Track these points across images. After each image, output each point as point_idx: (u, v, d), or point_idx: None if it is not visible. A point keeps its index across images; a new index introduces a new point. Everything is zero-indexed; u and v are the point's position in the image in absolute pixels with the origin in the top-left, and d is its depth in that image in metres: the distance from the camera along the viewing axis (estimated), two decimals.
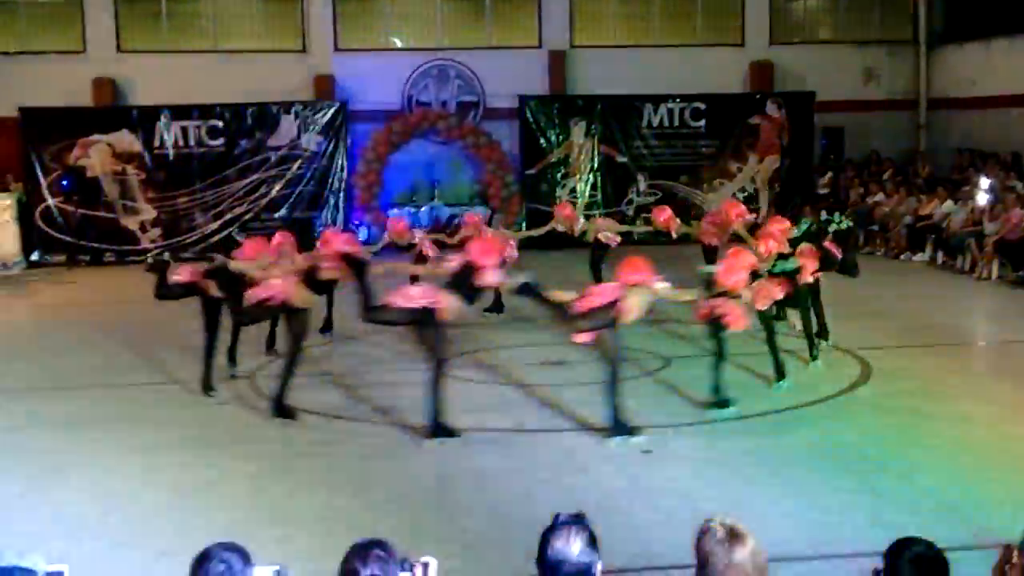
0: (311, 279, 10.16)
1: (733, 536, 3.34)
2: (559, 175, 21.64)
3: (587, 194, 21.21)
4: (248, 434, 9.24)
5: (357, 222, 20.80)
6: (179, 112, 20.67)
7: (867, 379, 10.53)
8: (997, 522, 6.63)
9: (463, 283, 8.85)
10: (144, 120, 20.61)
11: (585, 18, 22.83)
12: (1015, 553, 3.44)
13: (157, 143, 20.62)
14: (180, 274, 10.47)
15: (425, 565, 3.50)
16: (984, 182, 18.12)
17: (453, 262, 9.24)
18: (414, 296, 8.78)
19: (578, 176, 21.58)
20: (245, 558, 3.34)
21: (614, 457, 8.34)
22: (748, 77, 22.63)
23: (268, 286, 9.63)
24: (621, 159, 21.52)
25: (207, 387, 10.39)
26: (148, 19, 22.14)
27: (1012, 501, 7.02)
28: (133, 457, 8.58)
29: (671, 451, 8.47)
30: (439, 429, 8.78)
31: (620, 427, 8.70)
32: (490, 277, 8.91)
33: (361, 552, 3.33)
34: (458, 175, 21.99)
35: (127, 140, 20.49)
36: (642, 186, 21.48)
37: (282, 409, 9.44)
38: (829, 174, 22.39)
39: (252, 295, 9.67)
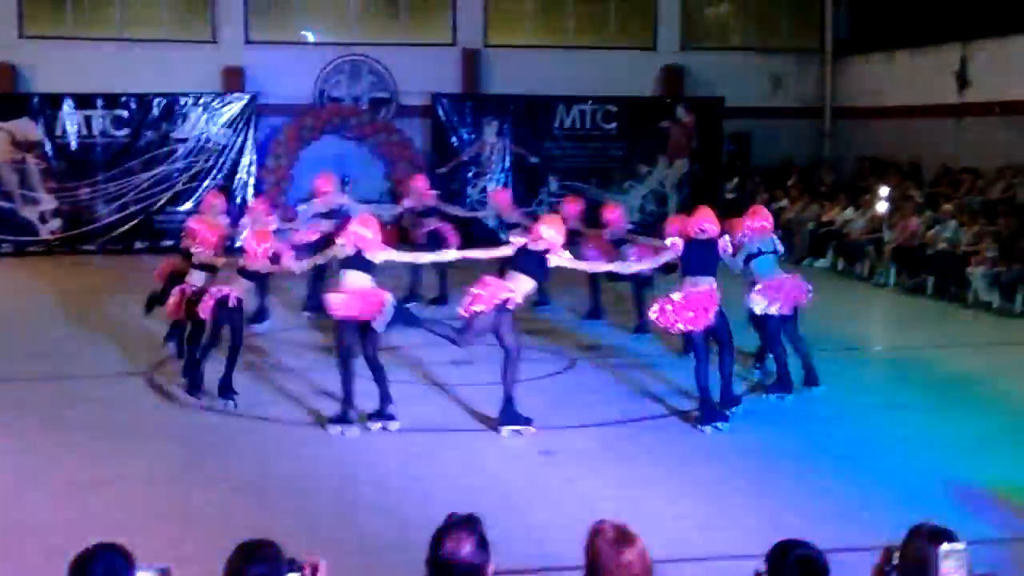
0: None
1: (622, 537, 3.37)
2: (470, 174, 21.64)
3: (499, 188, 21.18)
4: (145, 432, 9.07)
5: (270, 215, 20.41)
6: (83, 101, 20.15)
7: (766, 383, 10.70)
8: (887, 524, 6.79)
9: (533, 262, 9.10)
10: (46, 108, 20.06)
11: (499, 17, 22.85)
12: (894, 555, 3.53)
13: (59, 132, 20.10)
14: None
15: (314, 566, 3.46)
16: (883, 190, 18.57)
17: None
18: (496, 292, 8.94)
19: (489, 176, 21.60)
20: (128, 559, 3.27)
21: (515, 458, 8.38)
22: (659, 81, 22.88)
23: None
24: (532, 160, 21.58)
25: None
26: (52, 4, 21.57)
27: (902, 503, 7.20)
28: (23, 456, 8.36)
29: (571, 452, 8.52)
30: (515, 417, 8.94)
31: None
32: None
33: (247, 552, 3.29)
34: (369, 171, 21.84)
35: (27, 128, 19.91)
36: (553, 187, 21.55)
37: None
38: (736, 179, 22.74)
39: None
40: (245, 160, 20.63)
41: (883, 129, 21.73)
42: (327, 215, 13.55)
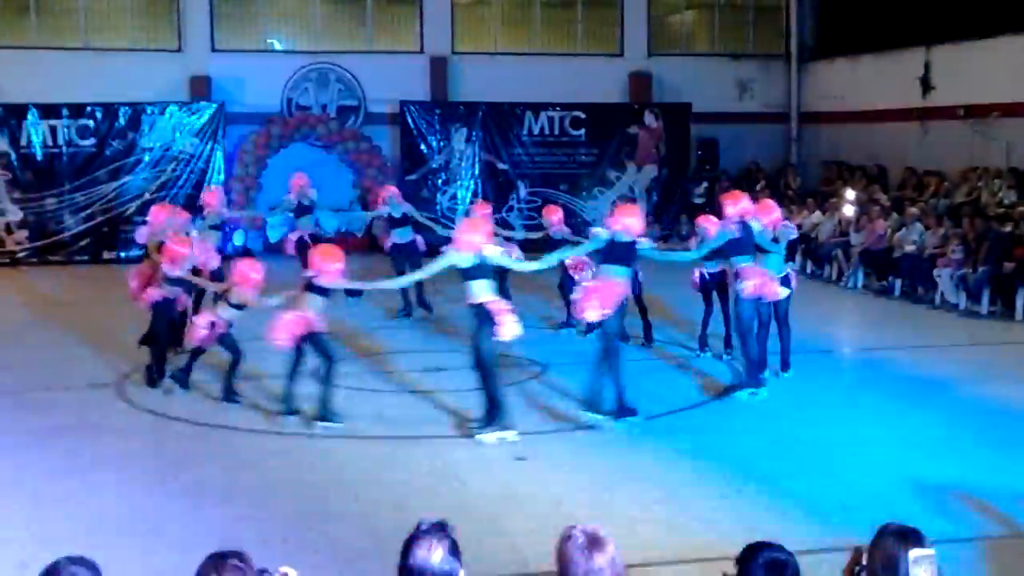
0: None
1: (593, 542, 3.37)
2: (440, 181, 21.64)
3: (467, 201, 21.20)
4: (116, 444, 8.99)
5: (231, 227, 20.31)
6: (48, 110, 20.02)
7: (737, 386, 10.75)
8: (858, 525, 6.85)
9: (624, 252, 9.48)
10: (10, 118, 19.90)
11: (466, 25, 22.89)
12: (864, 555, 3.56)
13: (24, 142, 19.94)
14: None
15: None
16: (850, 194, 18.72)
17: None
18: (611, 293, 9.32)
19: (459, 182, 21.61)
20: (95, 572, 3.25)
21: (488, 464, 8.37)
22: (627, 87, 22.97)
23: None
24: (502, 166, 21.61)
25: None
26: (16, 13, 21.41)
27: (871, 505, 7.25)
28: None
29: (544, 457, 8.54)
30: (623, 410, 9.29)
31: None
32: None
33: (216, 562, 3.27)
34: (338, 179, 21.79)
35: None
36: (522, 193, 21.60)
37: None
38: (704, 184, 22.86)
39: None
40: (213, 169, 20.53)
41: (849, 133, 21.91)
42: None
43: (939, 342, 13.23)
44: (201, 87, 21.24)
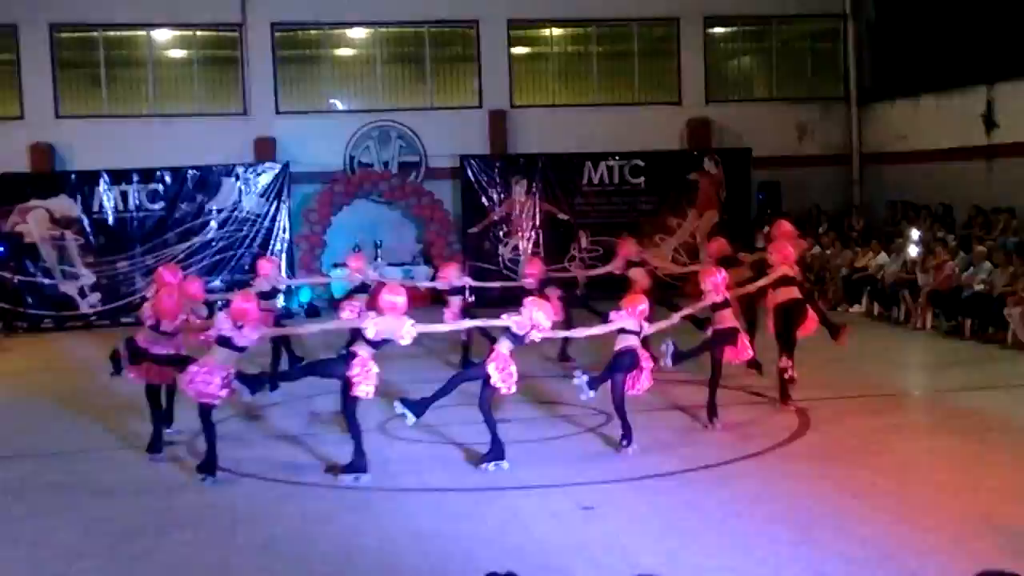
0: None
1: None
2: (501, 233, 21.79)
3: (529, 251, 21.29)
4: (187, 500, 9.13)
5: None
6: (118, 176, 20.56)
7: (805, 430, 10.65)
8: (933, 571, 6.73)
9: None
10: (83, 185, 20.46)
11: (525, 78, 23.15)
12: None
13: (96, 207, 20.48)
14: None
15: None
16: (914, 234, 18.51)
17: None
18: None
19: (520, 234, 21.74)
20: None
21: (555, 514, 8.36)
22: (685, 134, 23.02)
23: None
24: (562, 216, 21.70)
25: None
26: (86, 84, 22.12)
27: (946, 549, 7.13)
28: (66, 526, 8.44)
29: (611, 506, 8.50)
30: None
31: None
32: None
33: None
34: (401, 234, 22.10)
35: (65, 205, 20.31)
36: (584, 242, 21.65)
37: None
38: (767, 228, 22.71)
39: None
40: (279, 228, 20.90)
41: (912, 173, 21.69)
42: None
43: (1012, 382, 12.97)
44: (266, 149, 21.68)
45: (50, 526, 8.48)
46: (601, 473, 9.36)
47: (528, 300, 10.01)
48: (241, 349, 9.45)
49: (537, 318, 9.60)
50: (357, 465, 9.39)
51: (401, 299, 9.20)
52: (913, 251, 17.89)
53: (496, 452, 9.62)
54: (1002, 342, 15.05)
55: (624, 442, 10.02)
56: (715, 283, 10.84)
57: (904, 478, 9.01)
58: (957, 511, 8.03)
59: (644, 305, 10.23)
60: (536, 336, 9.73)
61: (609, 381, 10.05)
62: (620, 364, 9.96)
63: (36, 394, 14.07)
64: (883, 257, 18.66)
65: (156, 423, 10.61)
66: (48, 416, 12.64)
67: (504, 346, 9.61)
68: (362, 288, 13.96)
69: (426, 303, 16.93)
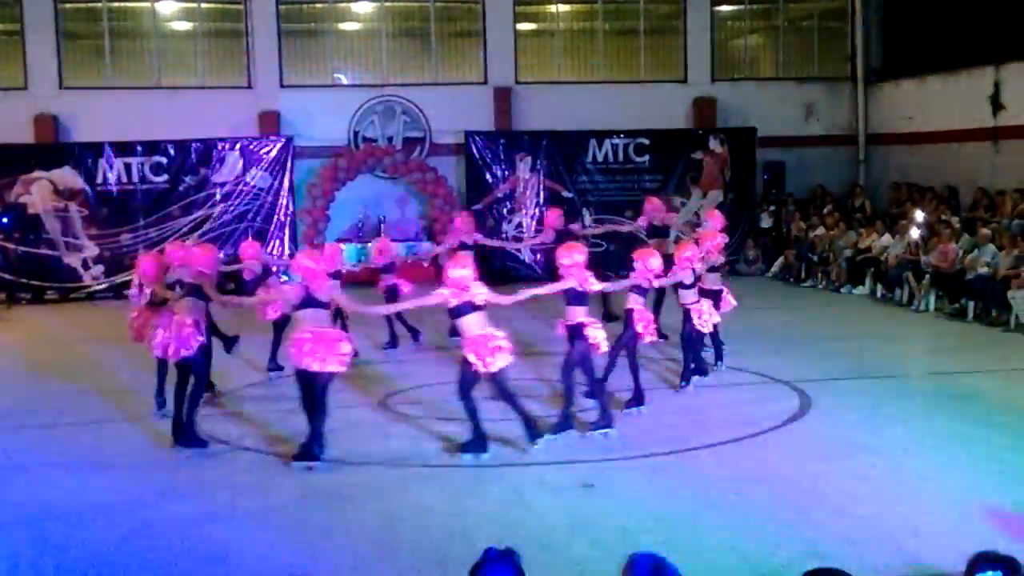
0: None
1: (658, 569, 3.38)
2: (505, 210, 21.76)
3: (532, 229, 21.28)
4: (188, 474, 9.15)
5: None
6: (122, 148, 20.53)
7: (806, 411, 10.66)
8: (932, 552, 6.74)
9: None
10: (87, 157, 20.44)
11: (530, 54, 23.07)
12: None
13: (100, 179, 20.46)
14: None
15: None
16: (918, 215, 18.47)
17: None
18: None
19: (524, 211, 21.71)
20: None
21: (555, 492, 8.38)
22: (691, 113, 22.95)
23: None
24: (567, 194, 21.66)
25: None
26: (91, 56, 22.06)
27: (947, 531, 7.14)
28: (68, 497, 8.47)
29: (611, 485, 8.52)
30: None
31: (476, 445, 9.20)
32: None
33: None
34: (404, 210, 22.09)
35: (69, 177, 20.31)
36: (587, 220, 21.60)
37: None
38: (771, 208, 22.72)
39: None
40: (282, 202, 20.87)
41: (918, 155, 21.64)
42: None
43: (1014, 365, 12.95)
44: (270, 122, 21.64)
45: (50, 498, 8.51)
46: (601, 451, 9.37)
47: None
48: (325, 305, 9.35)
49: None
50: (475, 445, 9.30)
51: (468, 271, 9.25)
52: (915, 233, 17.85)
53: (607, 420, 9.79)
54: (1005, 325, 15.04)
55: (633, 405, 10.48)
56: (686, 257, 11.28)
57: (904, 460, 9.02)
58: (957, 493, 8.04)
59: (656, 259, 10.46)
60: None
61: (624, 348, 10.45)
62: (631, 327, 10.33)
63: (38, 366, 14.10)
64: (887, 238, 18.62)
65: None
66: (50, 388, 12.65)
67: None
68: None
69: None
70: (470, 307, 9.06)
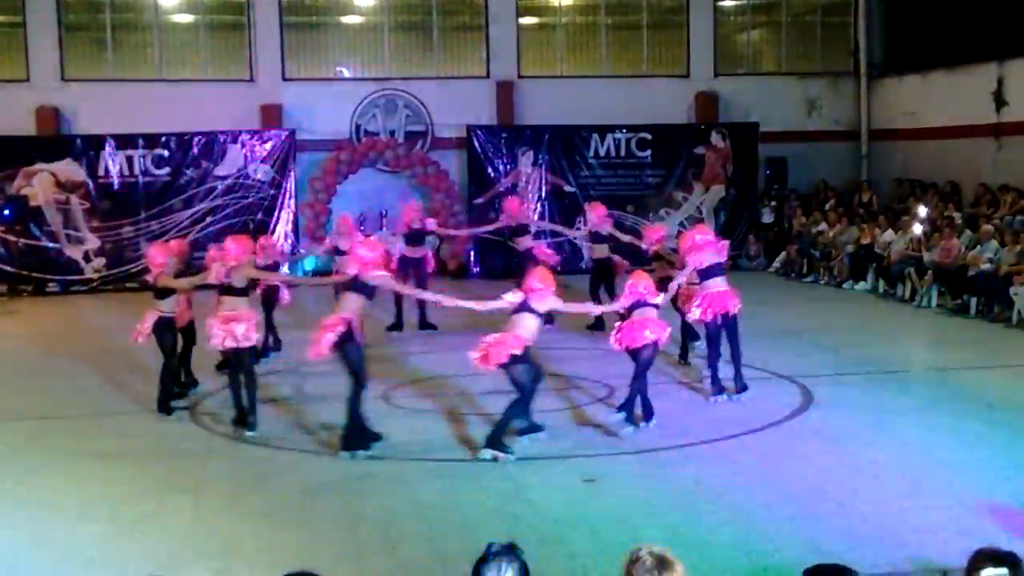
0: None
1: (661, 565, 3.37)
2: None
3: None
4: (190, 466, 9.16)
5: (303, 251, 20.52)
6: (124, 141, 20.51)
7: (808, 407, 10.66)
8: (933, 548, 6.74)
9: None
10: (88, 149, 20.42)
11: (532, 49, 23.03)
12: None
13: (102, 172, 20.44)
14: None
15: None
16: (921, 211, 18.45)
17: None
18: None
19: (526, 205, 21.66)
20: None
21: (557, 486, 8.38)
22: (693, 108, 22.92)
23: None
24: (568, 188, 21.65)
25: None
26: (93, 48, 22.03)
27: (948, 527, 7.14)
28: (71, 491, 8.47)
29: (614, 479, 8.52)
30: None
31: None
32: None
33: None
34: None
35: (71, 169, 20.29)
36: (589, 215, 21.53)
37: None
38: (773, 203, 22.70)
39: None
40: (284, 195, 20.87)
41: (921, 150, 21.61)
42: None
43: (1016, 361, 12.95)
44: (272, 115, 21.61)
45: (54, 489, 8.51)
46: (604, 446, 9.37)
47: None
48: (371, 293, 9.50)
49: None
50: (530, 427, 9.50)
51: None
52: (917, 229, 17.82)
53: (646, 411, 9.92)
54: (1007, 321, 15.03)
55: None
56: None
57: (906, 456, 9.01)
58: (959, 489, 8.03)
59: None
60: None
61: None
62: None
63: (41, 358, 14.10)
64: (889, 234, 18.60)
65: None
66: (53, 380, 12.65)
67: (652, 313, 10.02)
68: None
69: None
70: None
